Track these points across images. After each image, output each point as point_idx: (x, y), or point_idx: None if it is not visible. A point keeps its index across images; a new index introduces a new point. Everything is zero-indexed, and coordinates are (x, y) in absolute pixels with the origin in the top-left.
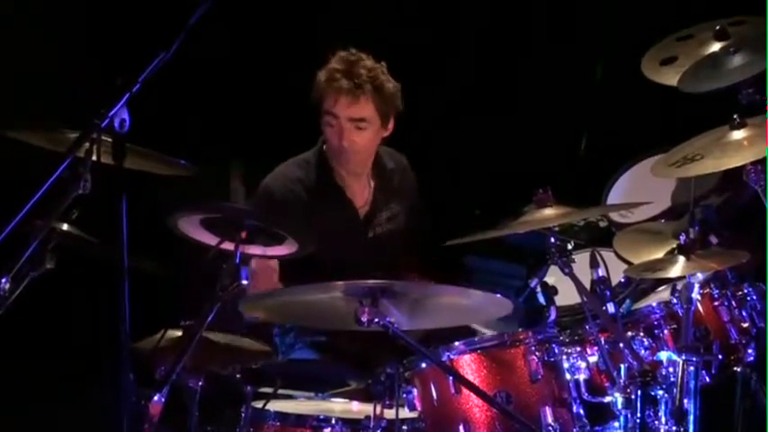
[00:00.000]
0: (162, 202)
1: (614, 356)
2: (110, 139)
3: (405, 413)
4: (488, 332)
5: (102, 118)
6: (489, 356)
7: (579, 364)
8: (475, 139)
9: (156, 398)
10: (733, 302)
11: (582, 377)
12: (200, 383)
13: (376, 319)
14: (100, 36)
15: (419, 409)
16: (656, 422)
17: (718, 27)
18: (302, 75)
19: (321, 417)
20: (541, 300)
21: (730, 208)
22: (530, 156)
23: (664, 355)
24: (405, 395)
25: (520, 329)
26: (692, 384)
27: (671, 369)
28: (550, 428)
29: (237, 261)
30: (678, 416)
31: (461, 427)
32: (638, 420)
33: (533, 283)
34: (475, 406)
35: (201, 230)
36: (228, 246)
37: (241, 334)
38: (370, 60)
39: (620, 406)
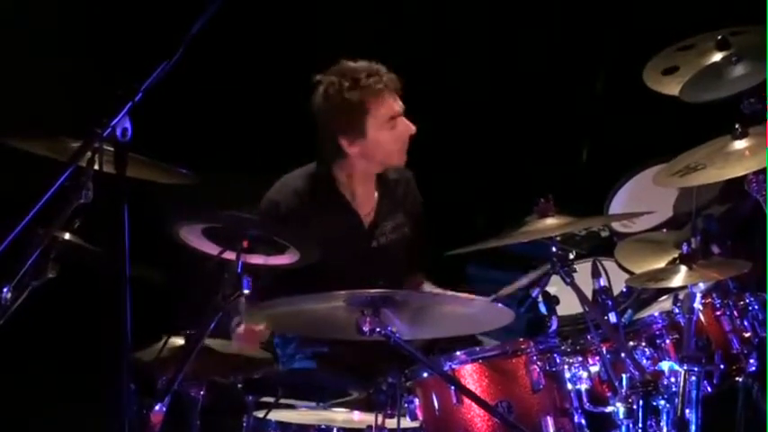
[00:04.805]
0: (164, 211)
1: (616, 366)
2: (111, 149)
3: (406, 423)
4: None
5: (103, 127)
6: (491, 366)
7: (581, 374)
8: (476, 149)
9: (157, 407)
10: (735, 312)
11: (583, 387)
12: (202, 393)
13: (377, 329)
14: (102, 44)
15: (421, 418)
16: None
17: (719, 37)
18: (306, 83)
19: (323, 426)
20: (543, 309)
21: (732, 218)
22: (531, 165)
23: (665, 365)
24: (406, 405)
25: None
26: (693, 394)
27: (673, 379)
28: None
29: (239, 270)
30: (680, 426)
31: None
32: (639, 430)
33: (535, 292)
34: (476, 416)
35: (203, 240)
36: (230, 255)
37: None
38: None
39: (621, 416)
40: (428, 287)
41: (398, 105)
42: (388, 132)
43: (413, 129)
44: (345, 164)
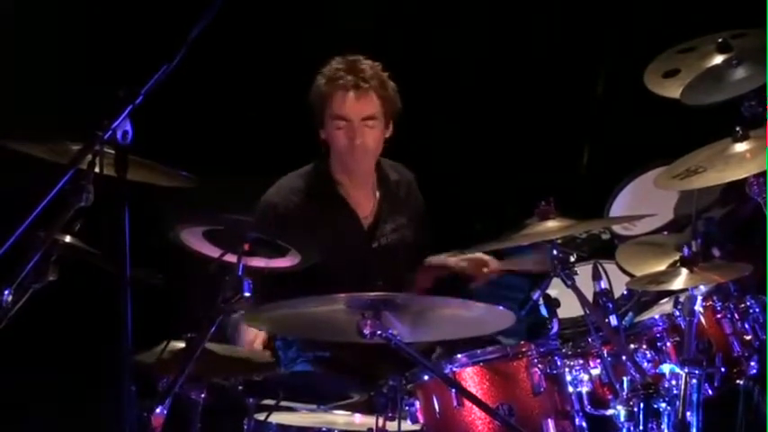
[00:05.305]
0: (164, 214)
1: (617, 369)
2: (112, 151)
3: (407, 425)
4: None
5: (104, 130)
6: (492, 369)
7: (582, 377)
8: (477, 151)
9: (158, 410)
10: (735, 315)
11: (584, 390)
12: (203, 395)
13: (378, 332)
14: (101, 46)
15: (421, 421)
16: None
17: (720, 39)
18: (307, 86)
19: (323, 429)
20: (544, 312)
21: (733, 220)
22: (532, 168)
23: (666, 368)
24: (407, 407)
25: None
26: (694, 397)
27: (674, 382)
28: None
29: (240, 273)
30: (681, 429)
31: None
32: None
33: (536, 295)
34: (477, 418)
35: (204, 242)
36: (231, 258)
37: None
38: (369, 60)
39: (622, 419)
40: (434, 259)
41: (351, 110)
42: (335, 130)
43: (355, 140)
44: (331, 156)
